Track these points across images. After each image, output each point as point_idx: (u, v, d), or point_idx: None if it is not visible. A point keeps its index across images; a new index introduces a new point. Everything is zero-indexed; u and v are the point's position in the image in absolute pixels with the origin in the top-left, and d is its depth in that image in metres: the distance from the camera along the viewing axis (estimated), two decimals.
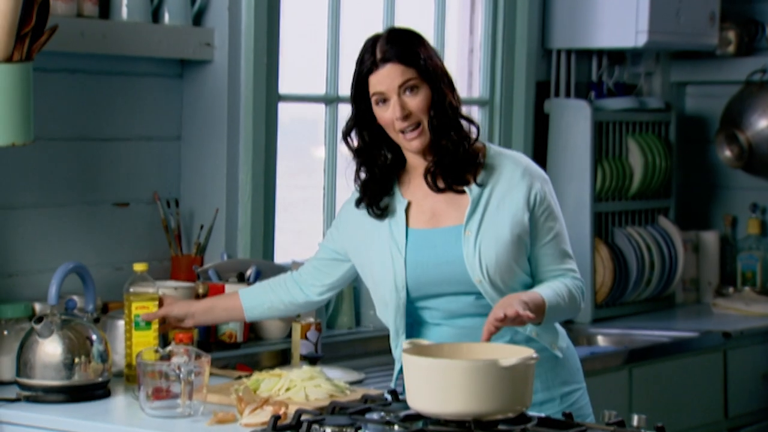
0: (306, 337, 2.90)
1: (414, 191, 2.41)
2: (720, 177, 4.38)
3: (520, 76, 3.81)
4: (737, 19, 4.28)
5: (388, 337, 3.26)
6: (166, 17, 2.99)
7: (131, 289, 2.57)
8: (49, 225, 2.85)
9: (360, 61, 2.37)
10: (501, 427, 2.09)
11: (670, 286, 4.06)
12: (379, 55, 2.33)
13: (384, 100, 2.34)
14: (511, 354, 2.12)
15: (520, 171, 2.38)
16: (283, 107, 3.25)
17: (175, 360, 2.32)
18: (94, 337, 2.48)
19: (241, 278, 2.98)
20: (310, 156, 3.51)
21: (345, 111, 3.45)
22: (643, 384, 3.39)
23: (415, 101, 2.33)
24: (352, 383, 2.65)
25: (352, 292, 3.29)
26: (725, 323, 3.79)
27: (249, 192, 3.11)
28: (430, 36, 3.64)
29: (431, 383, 2.06)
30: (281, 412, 2.22)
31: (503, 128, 3.81)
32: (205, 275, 2.96)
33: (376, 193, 2.40)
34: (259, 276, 3.01)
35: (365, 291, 3.33)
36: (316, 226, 3.42)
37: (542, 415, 2.19)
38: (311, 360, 2.64)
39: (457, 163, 2.36)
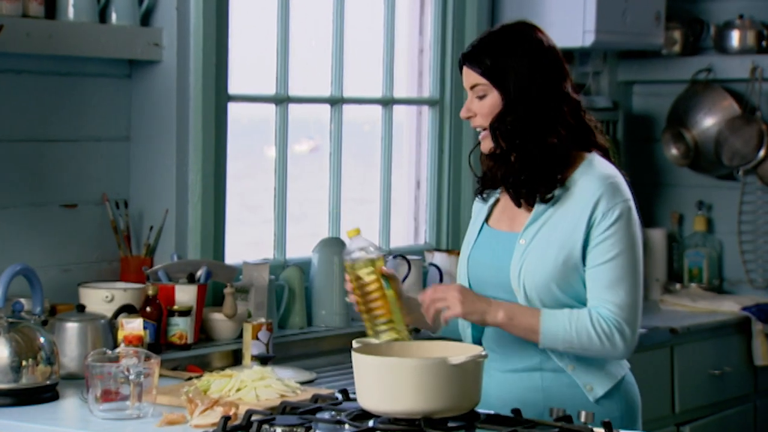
0: (257, 338, 2.90)
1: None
2: (666, 175, 4.44)
3: None
4: (682, 18, 4.33)
5: (339, 336, 3.29)
6: (114, 17, 2.97)
7: (351, 257, 2.26)
8: None
9: None
10: (451, 424, 2.10)
11: None
12: (462, 54, 2.34)
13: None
14: (460, 352, 2.13)
15: (593, 190, 2.27)
16: (233, 107, 3.24)
17: (124, 362, 2.31)
18: (41, 339, 2.46)
19: (192, 279, 2.97)
20: (262, 156, 3.51)
21: (295, 111, 3.46)
22: None
23: (480, 106, 2.32)
24: (303, 383, 2.66)
25: (304, 292, 3.30)
26: (672, 320, 3.84)
27: (199, 192, 3.10)
28: (379, 36, 3.67)
29: (381, 382, 2.07)
30: (231, 412, 2.22)
31: (453, 128, 3.83)
32: (155, 276, 2.95)
33: (485, 181, 2.40)
34: (209, 277, 3.00)
35: (317, 291, 3.34)
36: (268, 226, 3.41)
37: (491, 412, 2.21)
38: (262, 360, 2.63)
39: (529, 179, 2.28)
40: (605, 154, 2.36)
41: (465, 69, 2.33)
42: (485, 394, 2.26)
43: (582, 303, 2.29)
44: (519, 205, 2.34)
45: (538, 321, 2.25)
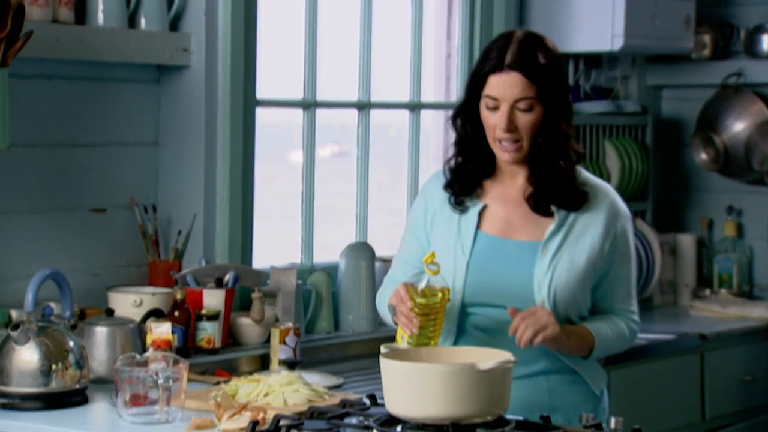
0: (285, 342, 2.90)
1: (493, 196, 2.37)
2: (696, 180, 4.41)
3: None
4: (712, 22, 4.30)
5: (366, 341, 3.28)
6: (143, 23, 2.98)
7: (420, 285, 2.25)
8: (25, 231, 2.83)
9: (485, 56, 2.30)
10: (479, 430, 2.09)
11: (648, 288, 4.08)
12: (508, 59, 2.25)
13: (495, 107, 2.28)
14: (489, 357, 2.12)
15: (607, 204, 2.36)
16: (259, 112, 3.24)
17: (152, 366, 2.31)
18: (71, 343, 2.47)
19: (219, 283, 2.98)
20: (286, 161, 3.51)
21: (322, 116, 3.46)
22: (620, 386, 3.40)
23: (525, 119, 2.28)
24: (331, 388, 2.65)
25: (331, 297, 3.30)
26: (702, 325, 3.81)
27: (227, 197, 3.11)
28: (406, 40, 3.67)
29: (409, 387, 2.06)
30: (260, 417, 2.21)
31: None
32: (183, 281, 2.96)
33: (464, 187, 2.36)
34: (237, 281, 3.00)
35: (344, 295, 3.33)
36: (295, 231, 3.42)
37: (520, 418, 2.20)
38: (290, 365, 2.63)
39: (565, 190, 2.32)
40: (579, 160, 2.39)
41: (515, 77, 2.25)
42: None
43: (587, 310, 2.37)
44: (542, 214, 2.32)
45: (591, 341, 2.32)
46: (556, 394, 2.34)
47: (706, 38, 4.28)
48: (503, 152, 2.32)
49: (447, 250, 2.35)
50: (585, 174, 2.40)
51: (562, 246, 2.31)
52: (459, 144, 2.36)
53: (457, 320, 2.36)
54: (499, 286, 2.31)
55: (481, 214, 2.36)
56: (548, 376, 2.33)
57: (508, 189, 2.36)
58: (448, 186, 2.38)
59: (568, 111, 2.32)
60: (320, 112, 3.43)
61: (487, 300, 2.33)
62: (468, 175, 2.36)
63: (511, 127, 2.27)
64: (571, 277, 2.30)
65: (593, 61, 4.12)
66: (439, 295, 2.24)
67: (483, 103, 2.30)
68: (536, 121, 2.28)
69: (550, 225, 2.32)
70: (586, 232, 2.32)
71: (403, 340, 2.26)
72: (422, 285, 2.24)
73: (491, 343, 2.28)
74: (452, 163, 2.38)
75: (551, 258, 2.30)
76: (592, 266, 2.32)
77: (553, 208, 2.32)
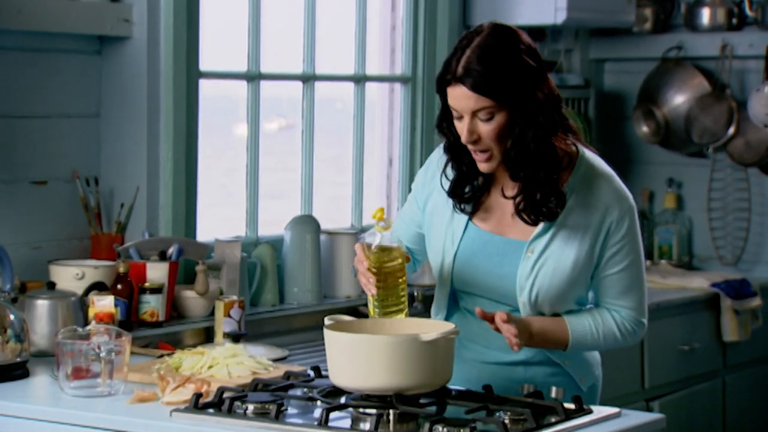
0: (229, 315, 2.90)
1: (491, 189, 2.28)
2: (637, 152, 4.46)
3: (442, 52, 3.83)
4: None
5: (311, 314, 3.29)
6: None
7: (379, 242, 2.21)
8: None
9: (444, 64, 2.17)
10: (422, 401, 2.11)
11: None
12: (459, 71, 2.13)
13: (459, 117, 2.17)
14: (432, 329, 2.14)
15: (602, 199, 2.23)
16: (202, 84, 3.22)
17: (95, 339, 2.30)
18: (11, 317, 2.45)
19: (163, 256, 2.96)
20: (232, 134, 3.49)
21: (270, 89, 3.44)
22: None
23: (487, 129, 2.15)
24: (275, 360, 2.66)
25: (276, 270, 3.29)
26: None
27: (170, 170, 3.09)
28: (351, 12, 3.66)
29: (353, 358, 2.08)
30: (203, 389, 2.22)
31: (426, 105, 3.83)
32: (126, 254, 2.94)
33: (460, 186, 2.27)
34: (181, 254, 2.99)
35: (289, 268, 3.33)
36: (240, 205, 3.41)
37: (462, 388, 2.22)
38: (234, 338, 2.63)
39: (544, 200, 2.18)
40: (578, 138, 2.28)
41: (465, 91, 2.13)
42: (466, 383, 2.27)
43: (580, 303, 2.30)
44: (524, 220, 2.23)
45: (566, 333, 2.26)
46: (533, 385, 2.26)
47: (648, 12, 4.32)
48: (477, 161, 2.21)
49: (438, 234, 2.32)
50: (587, 162, 2.25)
51: (547, 248, 2.23)
52: (447, 150, 2.28)
53: (447, 300, 2.33)
54: (485, 282, 2.28)
55: (475, 206, 2.29)
56: (528, 367, 2.30)
57: (505, 184, 2.26)
58: (449, 193, 2.29)
59: (543, 106, 2.16)
60: (267, 85, 3.41)
61: (474, 291, 2.30)
62: (464, 175, 2.27)
63: (473, 138, 2.17)
64: (555, 281, 2.23)
65: (537, 34, 4.14)
66: (394, 252, 2.21)
67: (452, 112, 2.21)
68: (500, 129, 2.15)
69: (540, 224, 2.24)
70: (575, 234, 2.22)
71: (376, 313, 2.24)
72: (375, 242, 2.22)
73: (483, 326, 2.24)
74: (448, 171, 2.29)
75: (535, 260, 2.24)
76: (579, 271, 2.24)
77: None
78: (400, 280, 2.24)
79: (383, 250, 2.22)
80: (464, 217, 2.30)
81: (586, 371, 2.34)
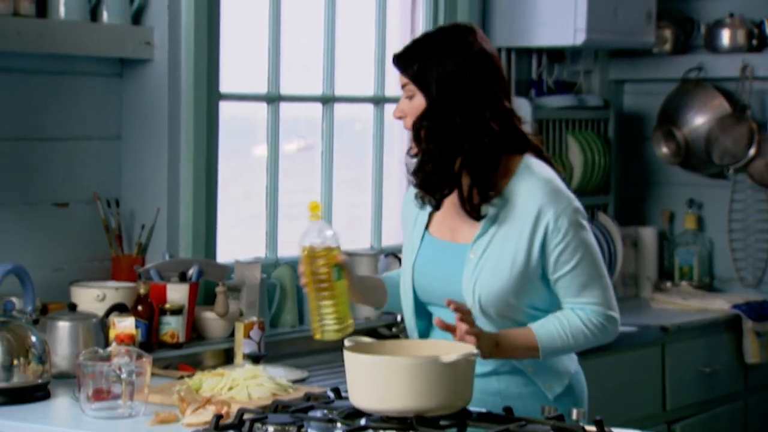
0: (249, 336, 2.90)
1: (447, 198, 2.31)
2: (657, 173, 4.45)
3: None
4: (673, 17, 4.34)
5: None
6: (105, 16, 2.97)
7: (310, 242, 2.16)
8: None
9: None
10: (443, 422, 2.11)
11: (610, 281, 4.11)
12: (397, 52, 2.32)
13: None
14: (452, 350, 2.13)
15: (535, 199, 2.25)
16: (222, 106, 3.23)
17: (116, 361, 2.31)
18: (33, 338, 2.46)
19: (183, 278, 2.97)
20: (251, 156, 3.51)
21: (288, 110, 3.46)
22: None
23: (410, 107, 2.29)
24: (295, 381, 2.66)
25: (295, 290, 3.30)
26: (663, 317, 3.85)
27: (190, 191, 3.10)
28: (370, 35, 3.67)
29: (373, 380, 2.07)
30: (223, 411, 2.22)
31: None
32: (146, 275, 2.95)
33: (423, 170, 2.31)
34: (201, 275, 3.00)
35: None
36: (260, 226, 3.41)
37: (483, 410, 2.21)
38: (254, 359, 2.63)
39: (470, 197, 2.25)
40: (539, 155, 2.33)
41: (396, 68, 2.31)
42: None
43: (538, 309, 2.30)
44: (470, 216, 2.27)
45: (533, 339, 2.26)
46: (508, 396, 2.31)
47: (667, 33, 4.32)
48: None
49: (406, 252, 2.40)
50: (527, 165, 2.29)
51: (487, 249, 2.27)
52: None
53: (415, 319, 2.36)
54: (441, 290, 2.30)
55: (431, 215, 2.36)
56: (500, 377, 2.32)
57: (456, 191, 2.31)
58: (416, 185, 2.35)
59: (465, 108, 2.23)
60: (285, 107, 3.43)
61: (434, 300, 2.33)
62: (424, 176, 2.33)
63: (397, 114, 2.30)
64: (495, 283, 2.25)
65: (556, 55, 4.15)
66: (319, 257, 2.12)
67: None
68: (418, 109, 2.26)
69: (480, 225, 2.28)
70: (512, 236, 2.26)
71: (321, 327, 2.18)
72: (305, 241, 2.18)
73: (448, 337, 2.25)
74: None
75: (476, 262, 2.27)
76: (519, 273, 2.25)
77: (483, 210, 2.28)
78: (324, 293, 2.15)
79: (310, 252, 2.14)
80: (421, 229, 2.36)
81: (552, 379, 2.33)
